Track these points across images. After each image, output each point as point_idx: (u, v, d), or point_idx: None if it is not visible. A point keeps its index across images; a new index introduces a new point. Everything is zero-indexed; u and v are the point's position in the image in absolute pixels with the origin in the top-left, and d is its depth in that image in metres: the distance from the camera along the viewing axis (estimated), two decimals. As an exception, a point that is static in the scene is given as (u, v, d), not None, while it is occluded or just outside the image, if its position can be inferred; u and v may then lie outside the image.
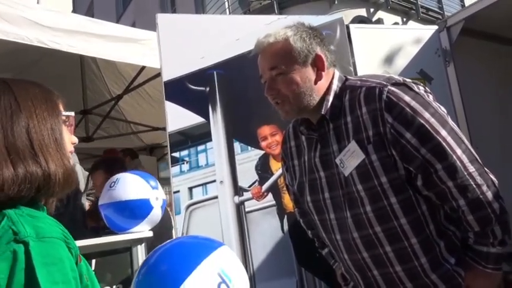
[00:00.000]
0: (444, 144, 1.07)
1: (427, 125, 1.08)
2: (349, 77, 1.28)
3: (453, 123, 1.13)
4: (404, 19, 8.91)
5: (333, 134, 1.20)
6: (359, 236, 1.17)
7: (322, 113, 1.20)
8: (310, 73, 1.20)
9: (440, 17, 9.15)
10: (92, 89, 4.35)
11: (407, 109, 1.09)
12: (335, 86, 1.22)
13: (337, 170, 1.19)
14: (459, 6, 9.71)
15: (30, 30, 2.22)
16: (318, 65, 1.20)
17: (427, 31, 2.98)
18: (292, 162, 1.37)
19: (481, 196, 1.07)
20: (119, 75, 4.26)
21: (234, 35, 2.23)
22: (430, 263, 1.13)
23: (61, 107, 0.89)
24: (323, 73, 1.21)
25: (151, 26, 3.43)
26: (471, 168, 1.08)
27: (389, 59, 2.79)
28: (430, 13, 9.20)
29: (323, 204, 1.24)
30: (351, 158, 1.14)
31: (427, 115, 1.09)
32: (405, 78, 1.16)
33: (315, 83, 1.20)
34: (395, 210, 1.12)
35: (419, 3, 8.94)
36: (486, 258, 1.11)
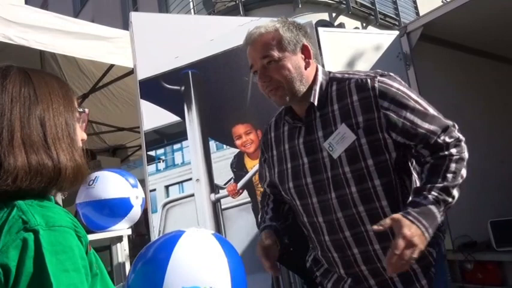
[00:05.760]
0: (436, 117, 1.21)
1: (417, 105, 1.21)
2: (333, 71, 1.36)
3: None
4: (364, 24, 9.24)
5: (319, 121, 1.28)
6: (343, 215, 1.24)
7: (311, 101, 1.27)
8: (299, 60, 1.27)
9: (396, 23, 9.57)
10: (52, 88, 4.19)
11: (400, 93, 1.21)
12: (320, 78, 1.31)
13: (322, 154, 1.26)
14: (414, 14, 10.22)
15: (-5, 25, 2.14)
16: (305, 54, 1.29)
17: (389, 36, 3.14)
18: (272, 152, 1.43)
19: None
20: (81, 74, 4.14)
21: (208, 35, 2.26)
22: None
23: (76, 103, 0.89)
24: (311, 61, 1.29)
25: (112, 24, 3.37)
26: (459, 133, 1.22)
27: (354, 61, 2.91)
28: (388, 19, 9.60)
29: (305, 188, 1.30)
30: (340, 141, 1.22)
31: (415, 97, 1.22)
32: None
33: (305, 69, 1.28)
34: (378, 192, 1.21)
35: (377, 9, 9.31)
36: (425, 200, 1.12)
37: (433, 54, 3.12)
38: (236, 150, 2.14)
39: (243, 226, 2.06)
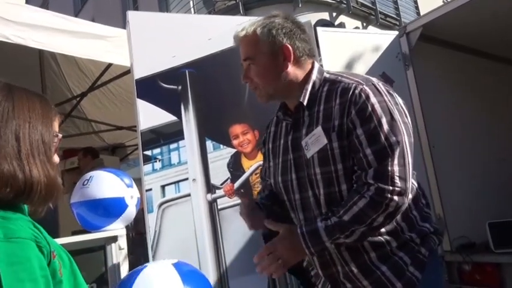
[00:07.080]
0: (388, 150, 1.13)
1: (377, 128, 1.14)
2: (330, 71, 1.35)
3: (409, 140, 1.17)
4: (364, 24, 9.23)
5: (305, 119, 1.29)
6: (319, 214, 1.25)
7: (300, 100, 1.28)
8: (276, 63, 1.27)
9: (397, 23, 9.56)
10: (51, 87, 4.19)
11: (369, 108, 1.16)
12: (314, 77, 1.30)
13: (304, 152, 1.27)
14: (414, 14, 10.20)
15: (-8, 23, 2.13)
16: (285, 55, 1.27)
17: (388, 36, 3.12)
18: (268, 145, 1.46)
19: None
20: (80, 73, 4.13)
21: (205, 35, 2.25)
22: (370, 242, 1.21)
23: (56, 126, 0.92)
24: (289, 63, 1.28)
25: (112, 23, 3.36)
26: (397, 183, 1.12)
27: (353, 61, 2.90)
28: (388, 19, 9.59)
29: (290, 184, 1.32)
30: (315, 142, 1.22)
31: (383, 120, 1.15)
32: (381, 85, 1.23)
33: (281, 71, 1.27)
34: (344, 196, 1.20)
35: (378, 9, 9.30)
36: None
37: (432, 54, 3.11)
38: (233, 150, 2.13)
39: (240, 226, 2.04)
